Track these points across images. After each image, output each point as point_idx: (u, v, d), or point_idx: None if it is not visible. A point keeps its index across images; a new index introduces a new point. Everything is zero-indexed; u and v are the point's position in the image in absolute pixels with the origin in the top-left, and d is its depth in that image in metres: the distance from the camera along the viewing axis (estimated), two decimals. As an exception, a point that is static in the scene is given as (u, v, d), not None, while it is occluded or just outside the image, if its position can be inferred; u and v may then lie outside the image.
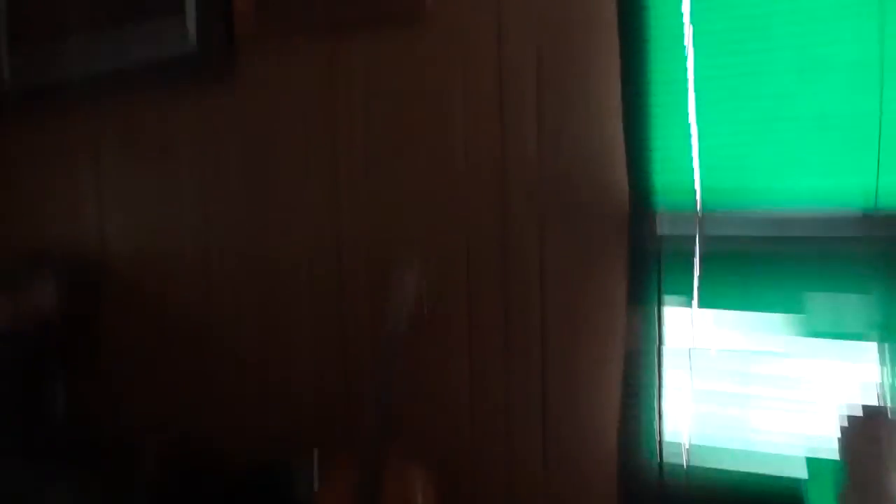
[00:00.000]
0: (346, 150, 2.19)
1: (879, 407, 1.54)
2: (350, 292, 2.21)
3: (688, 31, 1.74)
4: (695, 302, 1.79)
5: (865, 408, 1.53)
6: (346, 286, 2.22)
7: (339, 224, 2.21)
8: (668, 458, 1.82)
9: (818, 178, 1.68)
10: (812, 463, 1.66)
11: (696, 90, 1.76)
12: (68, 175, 2.68)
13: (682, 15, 1.75)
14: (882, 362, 1.63)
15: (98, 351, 2.62)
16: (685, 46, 1.75)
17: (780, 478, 1.71)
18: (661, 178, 1.82)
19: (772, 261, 1.73)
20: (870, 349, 1.64)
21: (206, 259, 2.45)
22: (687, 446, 1.81)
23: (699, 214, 1.78)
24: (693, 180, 1.78)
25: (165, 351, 2.54)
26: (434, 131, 2.07)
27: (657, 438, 1.82)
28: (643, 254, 1.83)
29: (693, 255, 1.78)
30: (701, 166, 1.77)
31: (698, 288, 1.79)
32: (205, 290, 2.46)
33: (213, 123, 2.41)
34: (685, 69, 1.76)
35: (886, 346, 1.62)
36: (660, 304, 1.80)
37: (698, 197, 1.78)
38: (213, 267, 2.44)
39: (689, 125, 1.77)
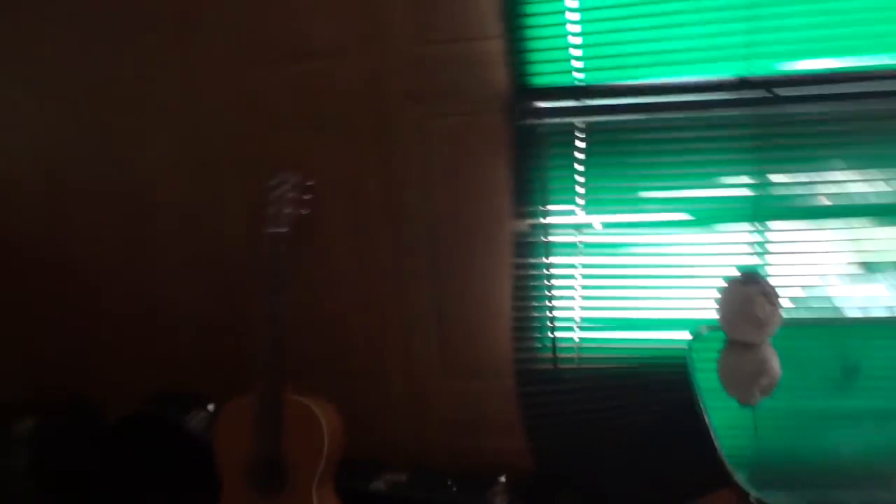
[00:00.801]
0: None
1: (753, 271, 1.61)
2: (225, 202, 2.05)
3: None
4: (580, 178, 1.79)
5: (742, 272, 1.61)
6: (221, 196, 2.05)
7: (205, 140, 2.01)
8: (562, 344, 1.87)
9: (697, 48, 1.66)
10: (695, 326, 1.76)
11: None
12: None
13: None
14: (754, 227, 1.72)
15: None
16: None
17: (666, 342, 1.81)
18: (541, 54, 1.75)
19: (652, 130, 1.73)
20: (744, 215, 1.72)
21: (51, 187, 2.18)
22: (578, 321, 1.87)
23: (578, 84, 1.75)
24: (571, 54, 1.73)
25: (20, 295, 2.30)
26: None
27: (550, 324, 1.86)
28: (526, 134, 1.78)
29: (574, 132, 1.76)
30: (581, 38, 1.71)
31: (584, 162, 1.77)
32: (52, 221, 2.20)
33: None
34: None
35: (758, 211, 1.70)
36: (545, 183, 1.78)
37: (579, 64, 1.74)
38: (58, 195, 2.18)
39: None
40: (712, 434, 1.31)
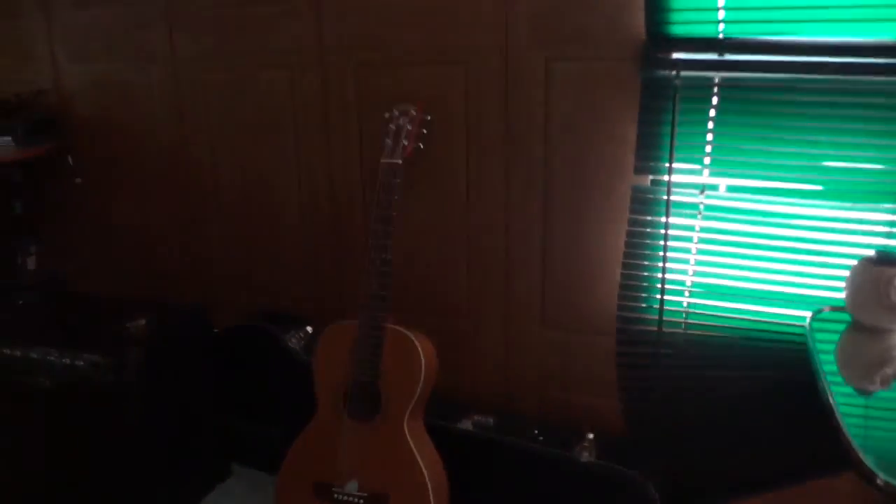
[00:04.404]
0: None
1: (890, 252, 1.51)
2: (342, 130, 2.06)
3: None
4: (709, 136, 1.70)
5: (878, 252, 1.51)
6: (339, 124, 2.06)
7: (323, 56, 2.02)
8: (669, 308, 1.81)
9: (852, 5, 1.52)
10: (814, 304, 1.67)
11: None
12: (15, 18, 2.40)
13: None
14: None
15: (66, 197, 2.50)
16: None
17: (780, 318, 1.73)
18: (684, 1, 1.64)
19: (795, 92, 1.62)
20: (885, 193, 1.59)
21: (178, 96, 2.25)
22: (689, 286, 1.80)
23: (721, 36, 1.64)
24: (716, 2, 1.63)
25: (141, 199, 2.42)
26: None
27: (659, 286, 1.79)
28: (657, 86, 1.69)
29: (710, 88, 1.67)
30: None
31: (716, 120, 1.68)
32: (179, 132, 2.28)
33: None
34: None
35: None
36: (672, 139, 1.70)
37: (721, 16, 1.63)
38: (187, 105, 2.25)
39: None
40: (837, 416, 1.24)
